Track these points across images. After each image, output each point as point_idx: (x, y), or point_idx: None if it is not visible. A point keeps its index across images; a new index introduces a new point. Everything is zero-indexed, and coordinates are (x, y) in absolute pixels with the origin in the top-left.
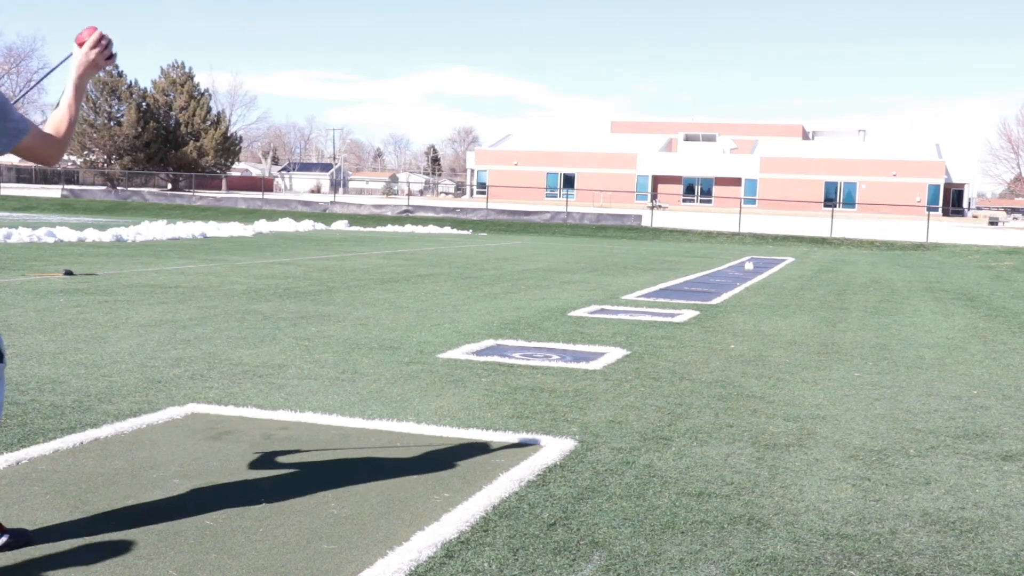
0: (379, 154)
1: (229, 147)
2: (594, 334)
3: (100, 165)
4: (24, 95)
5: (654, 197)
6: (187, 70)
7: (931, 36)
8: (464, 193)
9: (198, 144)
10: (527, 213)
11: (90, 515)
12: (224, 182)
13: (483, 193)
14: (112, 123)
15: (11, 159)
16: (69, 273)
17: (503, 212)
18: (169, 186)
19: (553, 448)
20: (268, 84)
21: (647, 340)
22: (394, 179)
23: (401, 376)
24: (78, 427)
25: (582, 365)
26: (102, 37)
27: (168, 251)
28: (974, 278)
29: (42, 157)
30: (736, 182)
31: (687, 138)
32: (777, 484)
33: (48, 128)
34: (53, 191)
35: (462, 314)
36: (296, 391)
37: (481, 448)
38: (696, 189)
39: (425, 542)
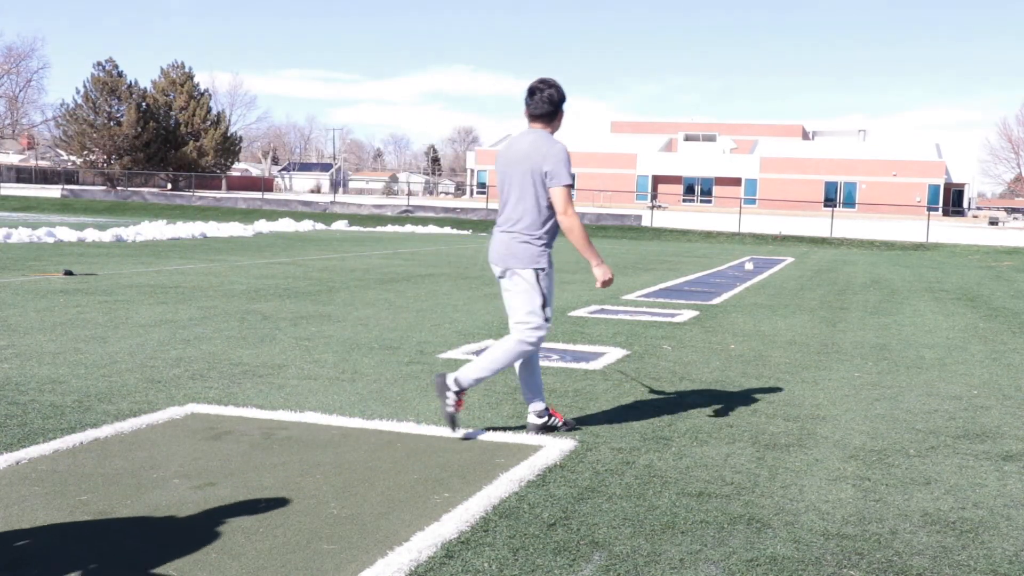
0: (379, 154)
1: (229, 147)
2: (594, 334)
3: (100, 165)
4: None
5: (654, 197)
6: (187, 70)
7: (931, 36)
8: (464, 193)
9: (198, 144)
10: None
11: (90, 515)
12: (224, 182)
13: (483, 193)
14: (112, 123)
15: (11, 159)
16: (69, 273)
17: None
18: (169, 186)
19: (553, 448)
20: (268, 84)
21: (647, 340)
22: (394, 179)
23: (401, 376)
24: (78, 427)
25: (582, 365)
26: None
27: (168, 251)
28: (974, 278)
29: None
30: (736, 182)
31: (687, 138)
32: (777, 484)
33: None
34: (53, 191)
35: (462, 314)
36: (296, 391)
37: (481, 448)
38: (696, 189)
39: (425, 542)
